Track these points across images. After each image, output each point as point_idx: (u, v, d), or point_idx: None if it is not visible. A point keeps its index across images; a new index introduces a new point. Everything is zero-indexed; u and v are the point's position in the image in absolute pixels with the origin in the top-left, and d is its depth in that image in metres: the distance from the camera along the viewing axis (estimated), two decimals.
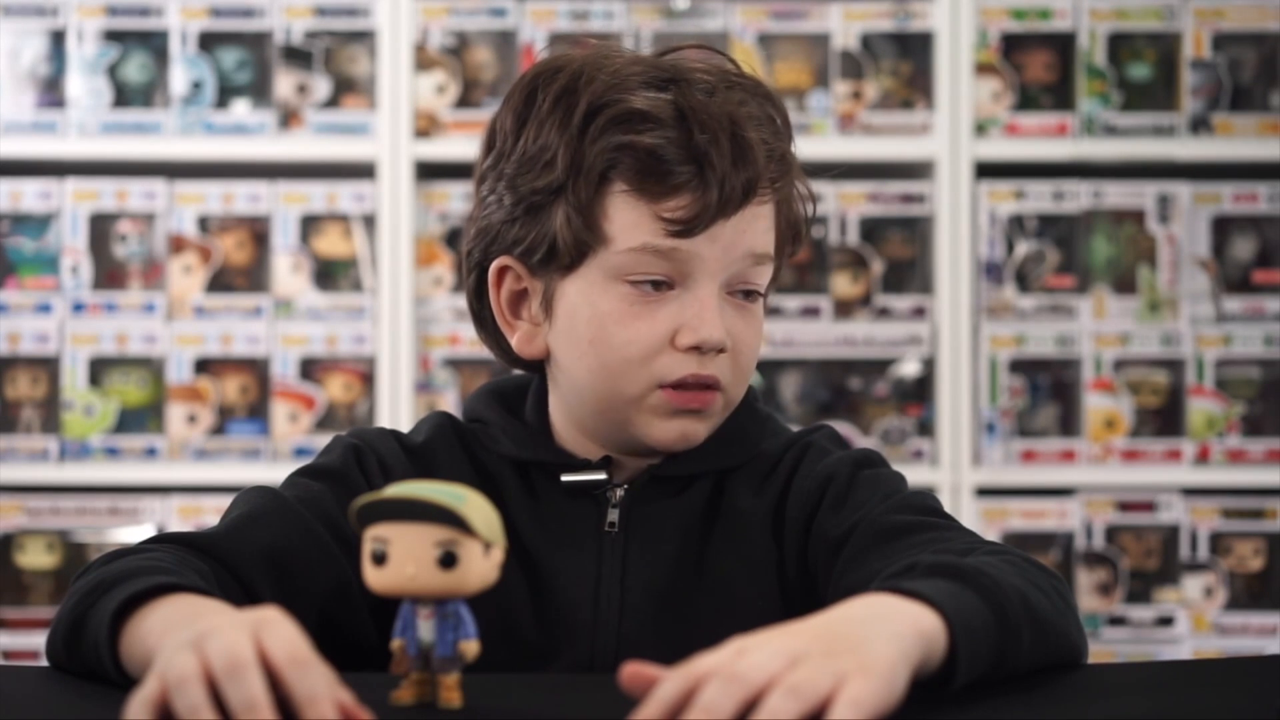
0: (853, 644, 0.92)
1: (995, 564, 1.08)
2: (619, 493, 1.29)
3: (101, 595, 1.09)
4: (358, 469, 1.29)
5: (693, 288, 1.24)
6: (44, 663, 1.13)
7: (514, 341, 1.31)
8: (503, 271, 1.30)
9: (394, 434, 1.34)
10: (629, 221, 1.24)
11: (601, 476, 1.29)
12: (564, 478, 1.29)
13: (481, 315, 1.34)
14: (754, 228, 1.26)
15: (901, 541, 1.17)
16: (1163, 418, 2.71)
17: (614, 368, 1.25)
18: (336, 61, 2.73)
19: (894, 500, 1.24)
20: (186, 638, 0.92)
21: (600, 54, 1.29)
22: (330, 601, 1.22)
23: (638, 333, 1.24)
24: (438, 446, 1.32)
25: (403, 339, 2.68)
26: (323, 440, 2.67)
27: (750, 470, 1.31)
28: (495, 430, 1.32)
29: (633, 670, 0.92)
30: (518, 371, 1.38)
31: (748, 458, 1.31)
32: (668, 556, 1.27)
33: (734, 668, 0.89)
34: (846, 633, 0.94)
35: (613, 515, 1.28)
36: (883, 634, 0.94)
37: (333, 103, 2.71)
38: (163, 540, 1.20)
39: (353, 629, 1.23)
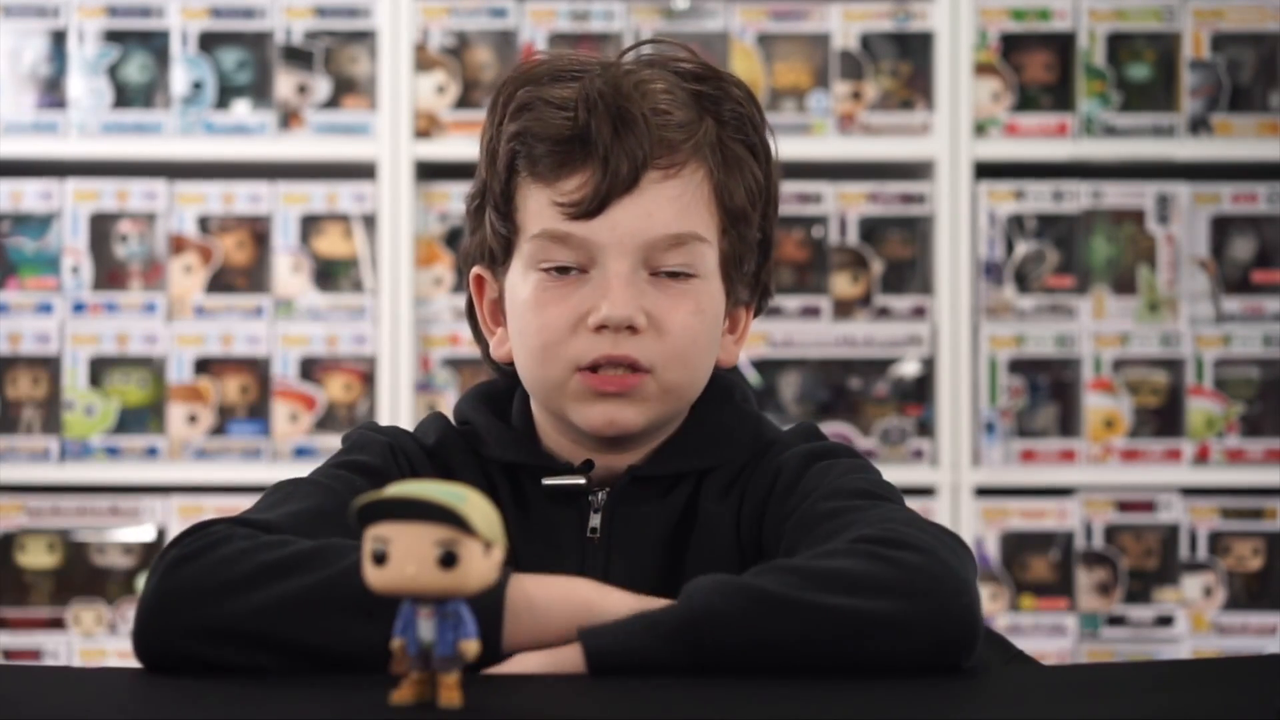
0: None
1: (807, 574, 1.05)
2: (600, 497, 1.28)
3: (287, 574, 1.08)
4: (396, 469, 1.28)
5: (603, 269, 1.24)
6: (44, 663, 1.13)
7: (490, 348, 1.34)
8: (480, 281, 1.33)
9: (410, 434, 1.34)
10: (534, 209, 1.26)
11: (580, 481, 1.28)
12: (545, 481, 1.28)
13: (476, 329, 1.36)
14: (663, 207, 1.24)
15: (821, 528, 1.15)
16: (1162, 418, 2.71)
17: (536, 354, 1.26)
18: (337, 62, 2.73)
19: (828, 487, 1.21)
20: None
21: (544, 58, 1.30)
22: None
23: (550, 317, 1.25)
24: (450, 448, 1.31)
25: (403, 339, 2.68)
26: (323, 440, 2.69)
27: (720, 473, 1.29)
28: (481, 433, 1.32)
29: None
30: None
31: (729, 459, 1.30)
32: (648, 564, 1.26)
33: None
34: None
35: (594, 521, 1.27)
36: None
37: (333, 103, 2.71)
38: (232, 522, 1.15)
39: None
